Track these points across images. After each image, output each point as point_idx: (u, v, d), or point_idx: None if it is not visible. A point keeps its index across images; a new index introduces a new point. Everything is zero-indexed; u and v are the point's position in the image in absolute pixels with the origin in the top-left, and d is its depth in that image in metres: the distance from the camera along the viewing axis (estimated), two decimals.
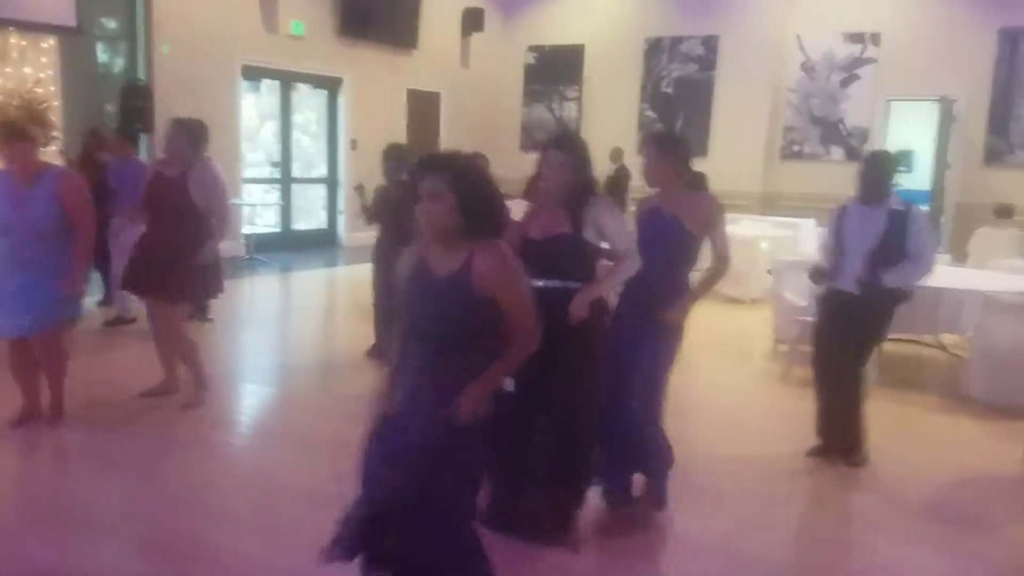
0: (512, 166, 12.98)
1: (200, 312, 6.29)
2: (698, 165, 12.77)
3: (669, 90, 12.35)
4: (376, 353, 5.87)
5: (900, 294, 4.08)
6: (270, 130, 11.30)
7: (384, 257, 5.73)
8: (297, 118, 11.46)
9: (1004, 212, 8.53)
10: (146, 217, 4.69)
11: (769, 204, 11.55)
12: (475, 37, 13.09)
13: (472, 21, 12.94)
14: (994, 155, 10.48)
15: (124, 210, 5.33)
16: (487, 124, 13.37)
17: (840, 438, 4.22)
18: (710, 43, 11.99)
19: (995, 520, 3.72)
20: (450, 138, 12.78)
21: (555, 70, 13.39)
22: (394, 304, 5.86)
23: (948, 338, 6.40)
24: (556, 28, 13.30)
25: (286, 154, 11.18)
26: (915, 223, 4.03)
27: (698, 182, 4.28)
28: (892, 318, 4.16)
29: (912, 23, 10.89)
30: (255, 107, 11.13)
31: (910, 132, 11.96)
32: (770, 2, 11.60)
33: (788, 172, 11.69)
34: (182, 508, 3.48)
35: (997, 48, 10.42)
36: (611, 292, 3.46)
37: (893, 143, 11.13)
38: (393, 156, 5.69)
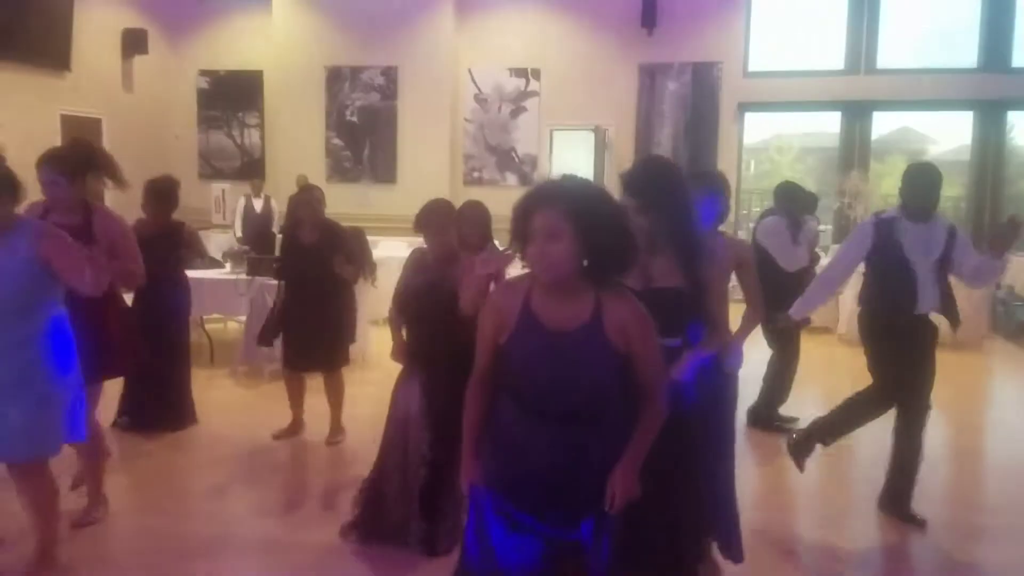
0: (192, 196, 12.24)
1: None
2: (388, 192, 13.03)
3: (354, 118, 12.45)
4: (127, 423, 5.15)
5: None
6: None
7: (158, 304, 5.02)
8: None
9: None
10: None
11: None
12: (139, 60, 12.17)
13: (134, 42, 12.00)
14: None
15: None
16: (159, 152, 12.46)
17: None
18: (390, 74, 12.31)
19: None
20: None
21: (232, 96, 12.89)
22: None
23: None
24: (230, 53, 12.81)
25: None
26: (963, 237, 3.95)
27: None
28: None
29: (566, 59, 12.08)
30: None
31: (572, 158, 13.24)
32: (441, 37, 12.19)
33: (471, 197, 12.27)
34: None
35: (638, 81, 11.93)
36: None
37: (558, 169, 12.28)
38: (173, 193, 5.18)
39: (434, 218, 3.60)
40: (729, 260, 3.29)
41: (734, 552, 3.36)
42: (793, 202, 5.50)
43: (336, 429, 5.12)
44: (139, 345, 4.05)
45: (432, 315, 3.53)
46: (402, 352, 3.77)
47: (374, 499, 3.71)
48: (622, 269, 2.17)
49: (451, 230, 3.64)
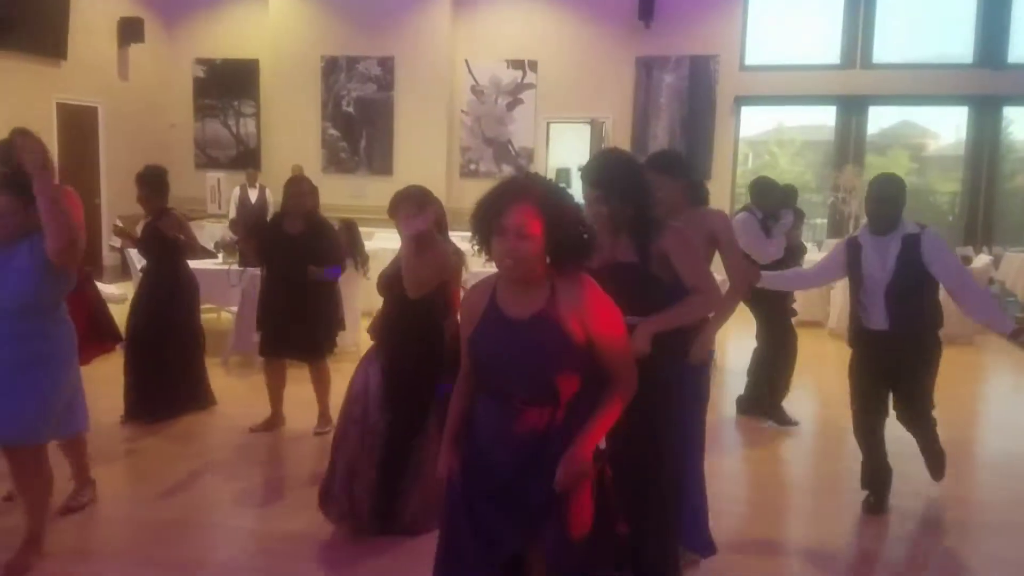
0: (188, 185, 12.27)
1: None
2: (384, 184, 13.11)
3: (350, 109, 12.45)
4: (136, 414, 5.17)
5: (935, 320, 3.86)
6: None
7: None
8: None
9: None
10: None
11: (454, 219, 12.05)
12: (135, 48, 12.16)
13: (130, 31, 11.99)
14: None
15: None
16: (155, 141, 12.48)
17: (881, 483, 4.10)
18: (386, 64, 12.30)
19: None
20: (112, 155, 11.74)
21: (229, 84, 12.89)
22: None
23: None
24: (227, 41, 12.81)
25: None
26: (928, 245, 3.70)
27: (700, 196, 3.89)
28: (940, 345, 3.94)
29: (563, 52, 12.09)
30: None
31: (568, 151, 13.26)
32: (439, 27, 12.19)
33: (468, 189, 12.28)
34: None
35: (635, 75, 11.93)
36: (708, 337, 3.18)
37: (554, 162, 12.29)
38: (152, 181, 5.17)
39: (404, 204, 3.63)
40: (703, 234, 3.30)
41: (704, 545, 3.37)
42: (765, 198, 5.52)
43: (324, 419, 5.14)
44: (110, 332, 4.13)
45: (394, 298, 3.66)
46: (373, 328, 3.87)
47: (328, 477, 3.77)
48: (580, 262, 2.23)
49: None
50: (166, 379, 5.21)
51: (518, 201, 2.13)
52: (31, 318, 3.17)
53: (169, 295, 5.20)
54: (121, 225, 5.60)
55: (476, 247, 2.27)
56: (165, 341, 5.16)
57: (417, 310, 3.55)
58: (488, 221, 2.17)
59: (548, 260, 2.18)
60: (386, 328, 3.74)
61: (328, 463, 3.81)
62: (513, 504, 2.25)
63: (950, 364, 4.28)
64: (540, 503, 2.22)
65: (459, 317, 2.39)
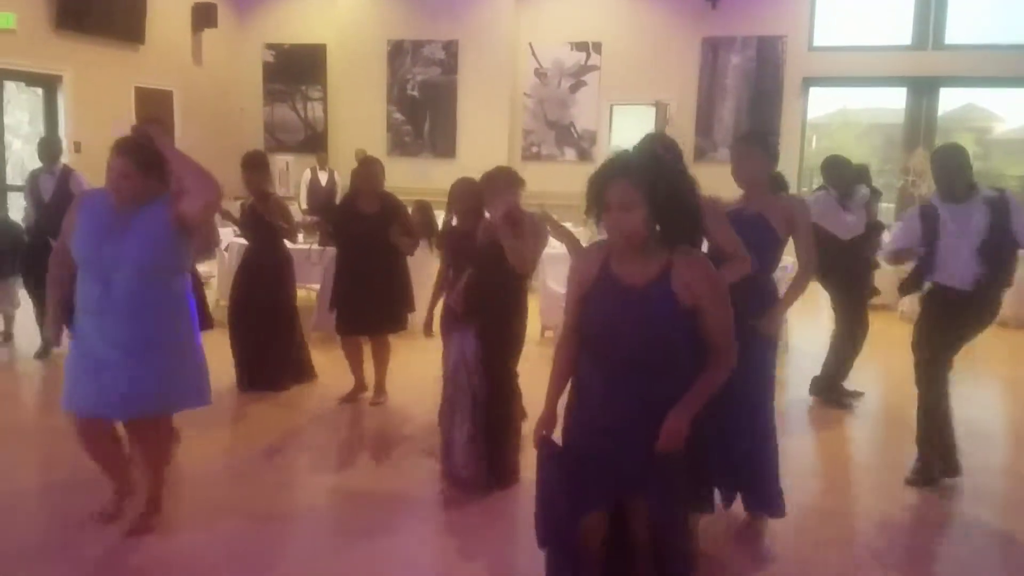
0: None
1: None
2: (447, 167, 13.21)
3: (415, 92, 12.62)
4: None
5: (1007, 281, 3.98)
6: None
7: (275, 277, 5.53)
8: (6, 119, 10.25)
9: None
10: None
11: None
12: (208, 33, 12.47)
13: (203, 16, 12.29)
14: (701, 153, 11.90)
15: None
16: (226, 124, 12.80)
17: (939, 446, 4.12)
18: (450, 48, 12.42)
19: None
20: (187, 138, 12.07)
21: (297, 69, 13.13)
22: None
23: None
24: (295, 26, 13.05)
25: None
26: (1016, 208, 3.85)
27: (778, 183, 4.17)
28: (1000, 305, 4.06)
29: (628, 33, 12.04)
30: None
31: (632, 134, 13.24)
32: (503, 11, 12.25)
33: (529, 172, 12.14)
34: None
35: (701, 56, 11.85)
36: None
37: (616, 145, 12.28)
38: (259, 164, 5.43)
39: (495, 184, 4.03)
40: (783, 218, 3.40)
41: (775, 506, 3.51)
42: (838, 175, 5.50)
43: (380, 390, 5.38)
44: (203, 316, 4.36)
45: (484, 270, 3.94)
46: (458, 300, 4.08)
47: (445, 447, 4.03)
48: (692, 235, 2.38)
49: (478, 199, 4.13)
50: (270, 354, 5.48)
51: (617, 177, 2.29)
52: (154, 286, 3.14)
53: (270, 274, 5.47)
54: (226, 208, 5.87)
55: (594, 223, 2.42)
56: (265, 318, 5.43)
57: (506, 275, 3.86)
58: (598, 199, 2.34)
59: (659, 230, 2.31)
60: (479, 297, 3.93)
61: (440, 432, 4.08)
62: (614, 464, 2.39)
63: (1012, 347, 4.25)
64: (639, 461, 2.35)
65: (568, 280, 2.52)
